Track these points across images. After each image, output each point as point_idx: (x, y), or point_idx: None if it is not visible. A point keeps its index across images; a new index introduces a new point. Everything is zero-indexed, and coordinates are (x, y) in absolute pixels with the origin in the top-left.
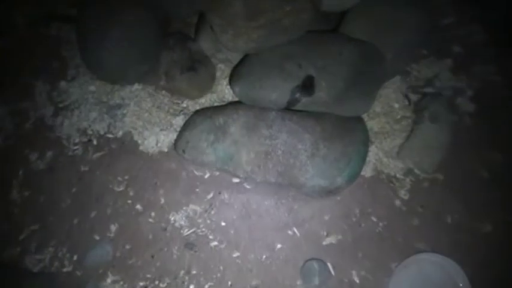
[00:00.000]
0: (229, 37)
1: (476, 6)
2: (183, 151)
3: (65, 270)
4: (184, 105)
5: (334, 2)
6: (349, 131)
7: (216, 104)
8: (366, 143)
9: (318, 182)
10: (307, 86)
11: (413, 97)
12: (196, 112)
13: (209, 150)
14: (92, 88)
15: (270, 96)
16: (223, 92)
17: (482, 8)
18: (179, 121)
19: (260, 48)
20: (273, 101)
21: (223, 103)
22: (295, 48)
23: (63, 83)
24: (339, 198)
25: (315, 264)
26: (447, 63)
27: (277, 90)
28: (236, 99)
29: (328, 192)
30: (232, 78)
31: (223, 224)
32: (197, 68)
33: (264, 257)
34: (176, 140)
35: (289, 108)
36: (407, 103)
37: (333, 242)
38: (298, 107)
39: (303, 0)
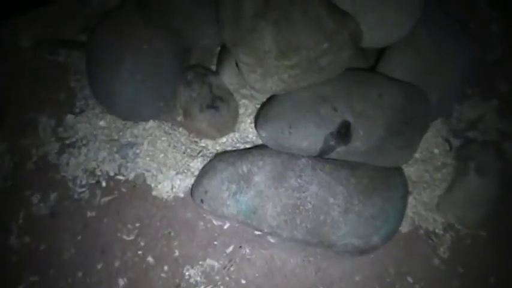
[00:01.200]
0: (257, 77)
1: None
2: (201, 201)
3: None
4: (203, 145)
5: (377, 38)
6: (387, 184)
7: (238, 145)
8: (406, 197)
9: (351, 240)
10: (343, 133)
11: (455, 142)
12: (217, 156)
13: (230, 202)
14: (102, 123)
15: (300, 144)
16: (247, 131)
17: None
18: (197, 164)
19: (291, 89)
20: (304, 149)
21: (247, 144)
22: (330, 89)
23: (70, 117)
24: (372, 256)
25: None
26: (493, 104)
27: (309, 138)
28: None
29: (362, 251)
30: (259, 121)
31: (243, 282)
32: (218, 105)
33: None
34: (193, 188)
35: (321, 157)
36: (448, 148)
37: None
38: (332, 155)
39: (342, 35)
